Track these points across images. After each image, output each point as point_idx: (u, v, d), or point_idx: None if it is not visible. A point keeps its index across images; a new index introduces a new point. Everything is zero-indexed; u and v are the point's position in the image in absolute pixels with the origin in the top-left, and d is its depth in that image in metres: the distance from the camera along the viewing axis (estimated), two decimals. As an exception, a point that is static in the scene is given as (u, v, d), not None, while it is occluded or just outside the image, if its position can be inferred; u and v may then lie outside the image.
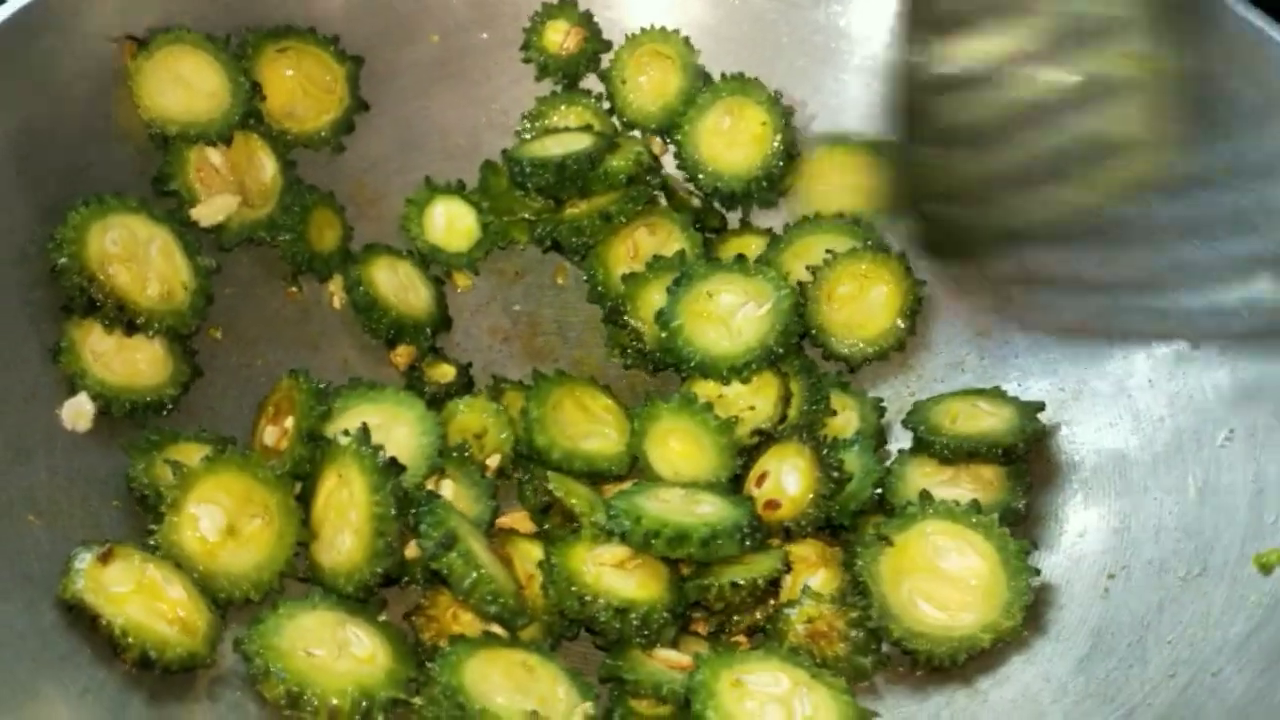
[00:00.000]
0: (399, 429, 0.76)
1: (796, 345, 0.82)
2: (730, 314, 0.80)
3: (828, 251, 0.84)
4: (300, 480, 0.73)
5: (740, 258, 0.83)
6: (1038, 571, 0.70)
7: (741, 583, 0.70)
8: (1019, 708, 0.66)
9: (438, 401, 0.81)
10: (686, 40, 0.90)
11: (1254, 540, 0.65)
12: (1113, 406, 0.76)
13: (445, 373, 0.84)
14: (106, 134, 0.78)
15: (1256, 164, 0.74)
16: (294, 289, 0.85)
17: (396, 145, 0.90)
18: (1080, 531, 0.73)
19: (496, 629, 0.69)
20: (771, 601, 0.72)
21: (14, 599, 0.63)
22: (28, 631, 0.62)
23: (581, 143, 0.85)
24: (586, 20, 0.91)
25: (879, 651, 0.70)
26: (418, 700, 0.64)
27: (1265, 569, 0.64)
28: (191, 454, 0.72)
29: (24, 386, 0.71)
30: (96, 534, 0.67)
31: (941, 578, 0.70)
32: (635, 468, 0.78)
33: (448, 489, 0.74)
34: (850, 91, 0.89)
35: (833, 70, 0.90)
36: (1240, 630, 0.62)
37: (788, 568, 0.72)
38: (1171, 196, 0.74)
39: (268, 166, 0.84)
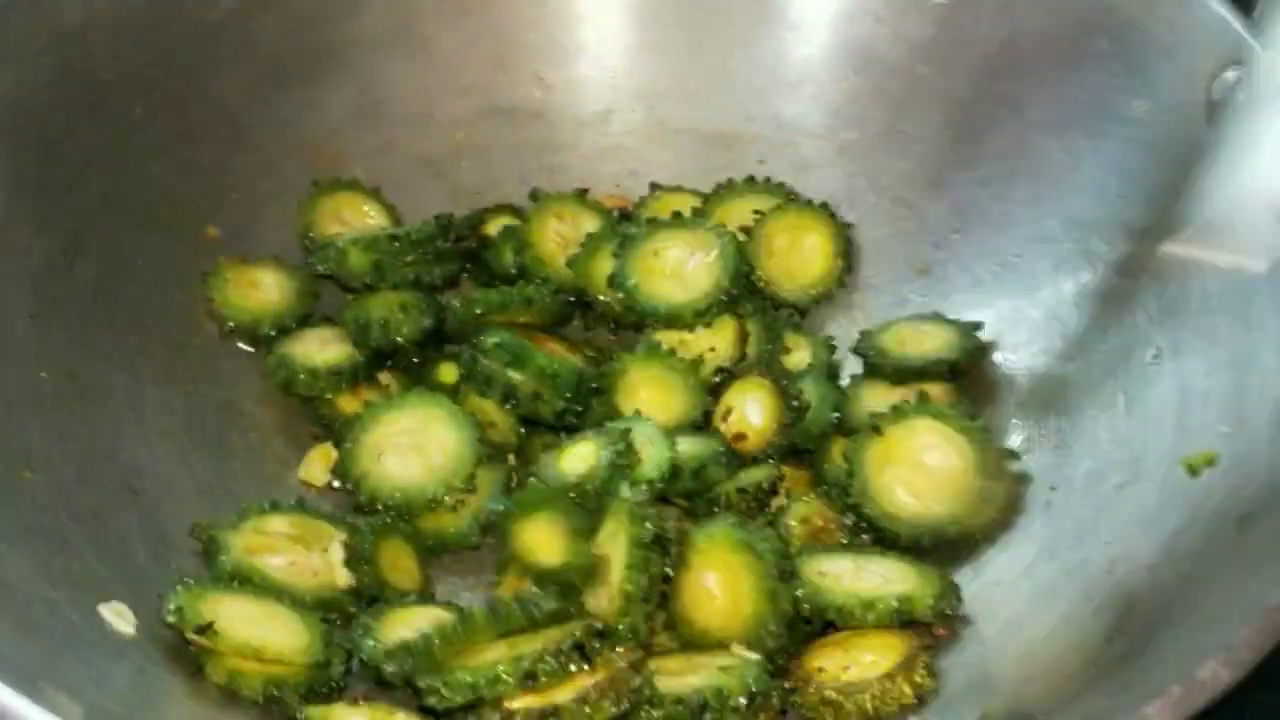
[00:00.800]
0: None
1: (748, 287, 0.86)
2: (680, 266, 0.85)
3: (755, 212, 0.89)
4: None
5: (677, 214, 0.87)
6: (1016, 478, 0.75)
7: (746, 487, 0.75)
8: (975, 611, 0.71)
9: None
10: None
11: (1181, 447, 0.70)
12: (1046, 332, 0.82)
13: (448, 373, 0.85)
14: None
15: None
16: None
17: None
18: (1023, 449, 0.79)
19: None
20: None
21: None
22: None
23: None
24: None
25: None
26: None
27: (1193, 471, 0.69)
28: None
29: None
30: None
31: (921, 470, 0.74)
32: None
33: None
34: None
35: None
36: (1172, 527, 0.67)
37: (781, 475, 0.77)
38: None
39: None
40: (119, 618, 0.65)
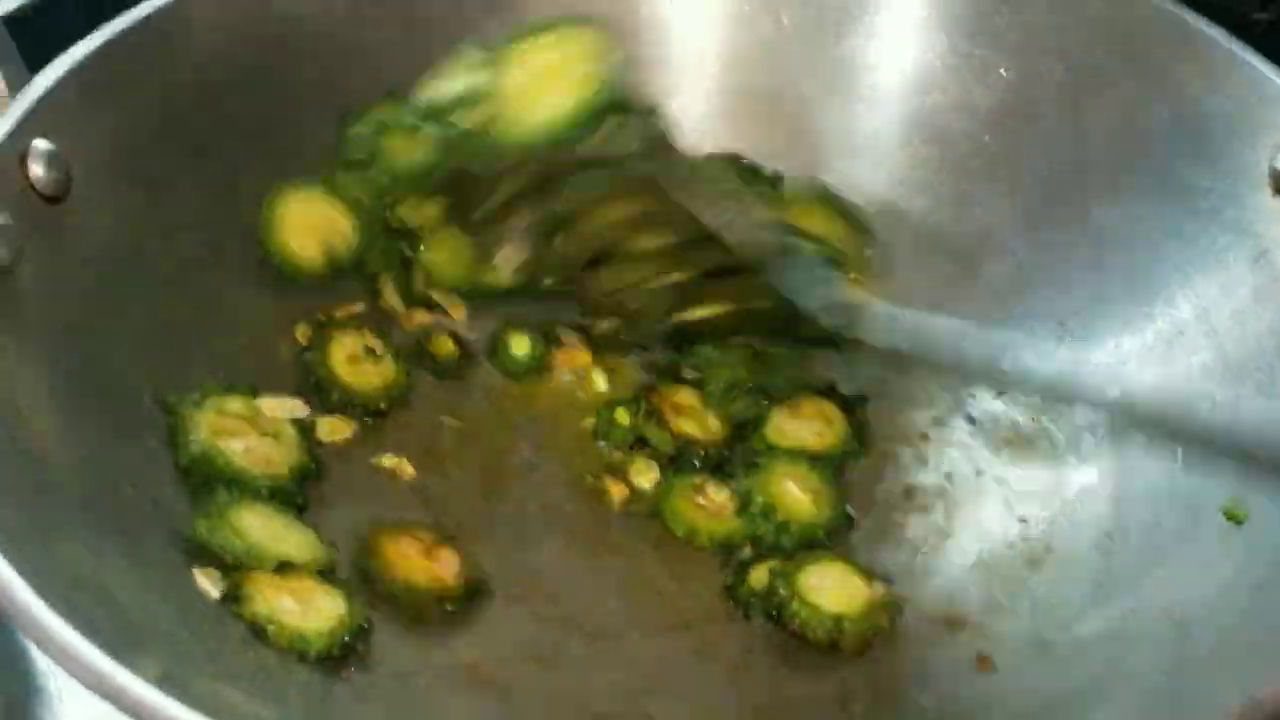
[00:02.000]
0: None
1: None
2: None
3: None
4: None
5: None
6: None
7: None
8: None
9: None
10: None
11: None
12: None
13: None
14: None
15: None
16: None
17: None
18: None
19: None
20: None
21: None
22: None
23: None
24: None
25: None
26: None
27: (1235, 519, 0.71)
28: None
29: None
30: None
31: None
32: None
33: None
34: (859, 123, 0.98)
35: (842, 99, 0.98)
36: (1229, 572, 0.69)
37: None
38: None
39: None
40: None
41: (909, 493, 0.84)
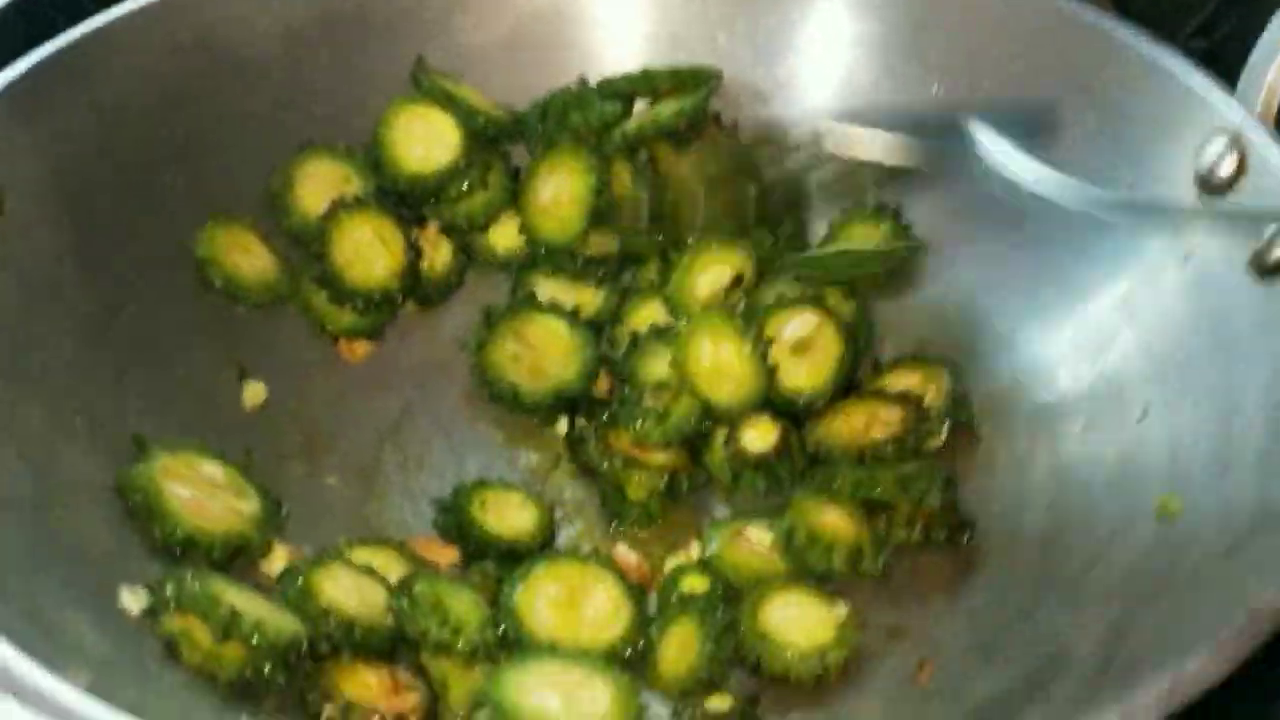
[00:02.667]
0: None
1: None
2: None
3: None
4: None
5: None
6: None
7: None
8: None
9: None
10: None
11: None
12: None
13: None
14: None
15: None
16: None
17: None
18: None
19: None
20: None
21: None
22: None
23: None
24: None
25: None
26: None
27: (1168, 515, 0.72)
28: None
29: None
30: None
31: None
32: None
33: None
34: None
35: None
36: (1162, 566, 0.70)
37: None
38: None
39: None
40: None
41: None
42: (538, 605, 0.73)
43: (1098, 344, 0.83)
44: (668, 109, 0.92)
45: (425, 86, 0.93)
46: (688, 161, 0.93)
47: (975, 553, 0.79)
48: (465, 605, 0.72)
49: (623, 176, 0.93)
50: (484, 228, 0.95)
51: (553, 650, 0.71)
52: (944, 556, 0.80)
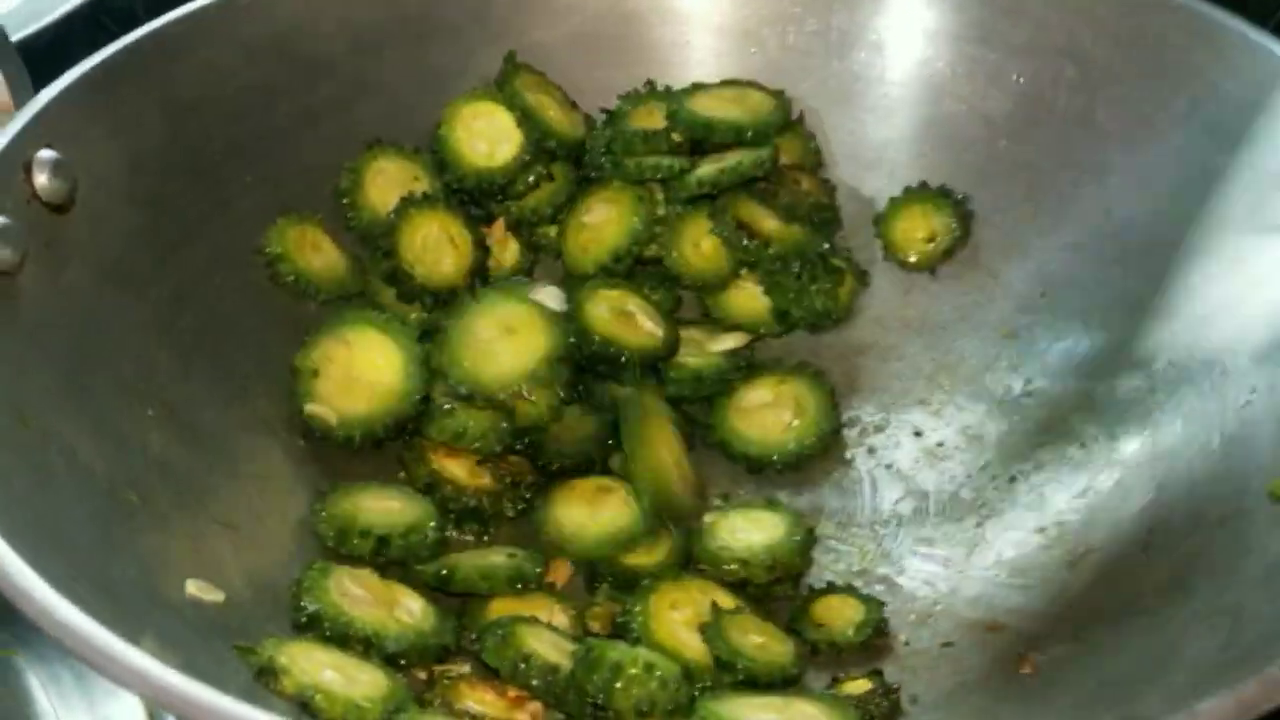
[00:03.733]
0: None
1: None
2: None
3: None
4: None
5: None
6: None
7: None
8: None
9: None
10: None
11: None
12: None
13: None
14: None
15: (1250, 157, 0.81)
16: None
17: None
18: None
19: None
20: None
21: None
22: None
23: None
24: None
25: None
26: None
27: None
28: None
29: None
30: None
31: None
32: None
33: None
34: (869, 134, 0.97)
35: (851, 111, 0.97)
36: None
37: None
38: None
39: None
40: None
41: (937, 501, 0.83)
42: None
43: (1195, 329, 0.80)
44: (748, 158, 0.90)
45: (507, 94, 0.92)
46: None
47: (1076, 546, 0.75)
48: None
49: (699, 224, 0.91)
50: (551, 220, 0.93)
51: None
52: (1044, 553, 0.77)
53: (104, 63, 0.81)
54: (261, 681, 0.61)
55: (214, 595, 0.68)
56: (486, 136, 0.92)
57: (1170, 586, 0.70)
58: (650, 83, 0.96)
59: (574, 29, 0.98)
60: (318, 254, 0.88)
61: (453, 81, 0.95)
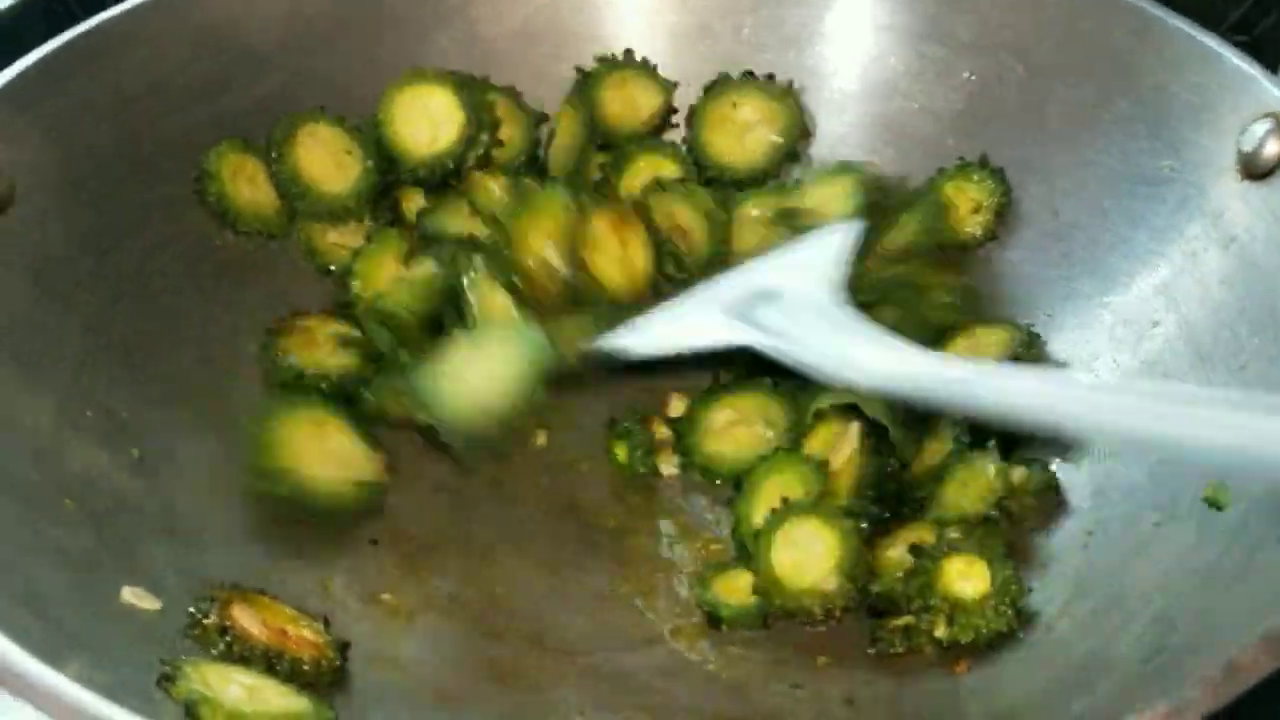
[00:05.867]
0: None
1: None
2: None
3: None
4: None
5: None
6: None
7: None
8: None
9: None
10: None
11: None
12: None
13: None
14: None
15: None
16: None
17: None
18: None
19: None
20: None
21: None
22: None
23: None
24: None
25: None
26: None
27: (1217, 505, 0.69)
28: None
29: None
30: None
31: None
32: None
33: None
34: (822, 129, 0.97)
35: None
36: (1211, 557, 0.67)
37: None
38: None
39: None
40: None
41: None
42: None
43: (1138, 332, 0.80)
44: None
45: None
46: None
47: (1016, 547, 0.76)
48: None
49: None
50: (530, 168, 0.94)
51: None
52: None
53: (42, 60, 0.80)
54: (160, 686, 0.61)
55: (150, 603, 0.67)
56: (426, 122, 0.91)
57: (1106, 589, 0.71)
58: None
59: (524, 20, 0.98)
60: (250, 185, 0.89)
61: (401, 72, 0.93)
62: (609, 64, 0.95)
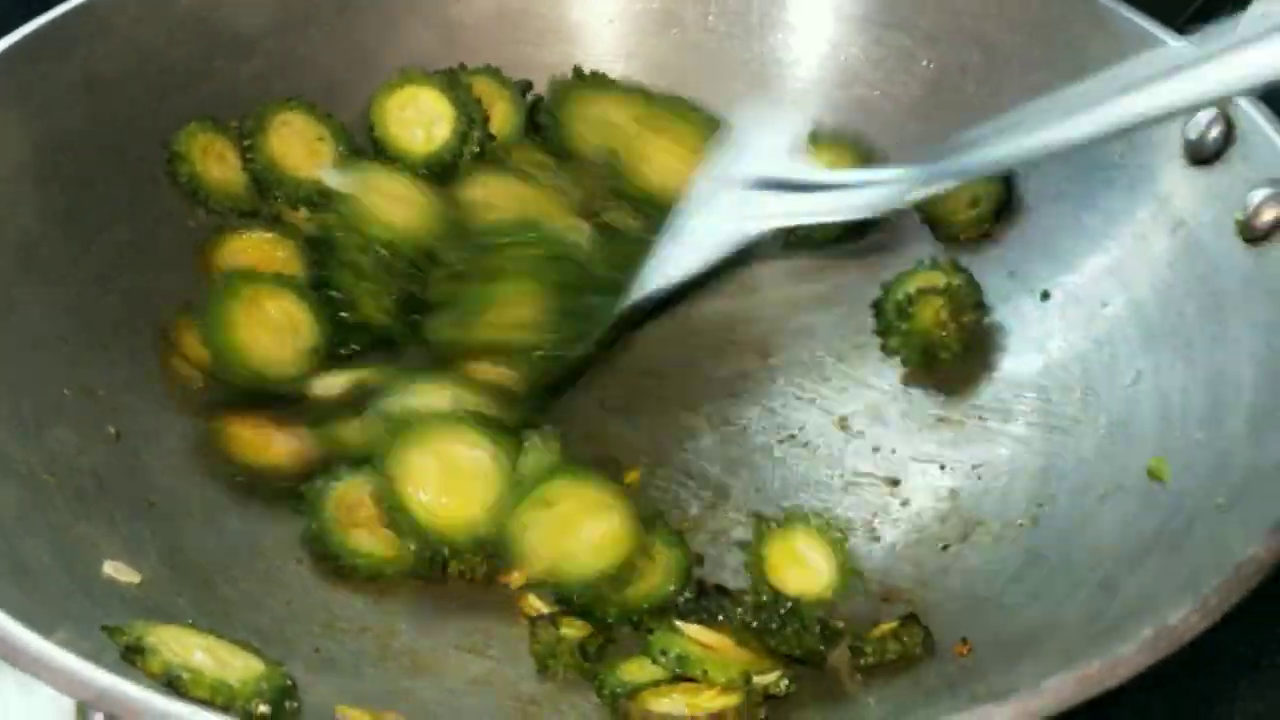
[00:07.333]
0: None
1: None
2: None
3: None
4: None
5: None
6: None
7: None
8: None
9: None
10: None
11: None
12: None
13: None
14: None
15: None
16: None
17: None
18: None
19: None
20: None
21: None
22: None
23: None
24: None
25: None
26: None
27: (1157, 477, 0.72)
28: None
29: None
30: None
31: None
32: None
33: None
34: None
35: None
36: (1154, 526, 0.70)
37: None
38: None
39: None
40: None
41: (841, 473, 0.85)
42: None
43: (1089, 312, 0.83)
44: None
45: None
46: None
47: (969, 518, 0.78)
48: None
49: None
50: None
51: None
52: (940, 524, 0.80)
53: (18, 43, 0.82)
54: (128, 660, 0.60)
55: (130, 576, 0.69)
56: (419, 121, 0.93)
57: (1053, 559, 0.73)
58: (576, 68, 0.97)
59: (499, 6, 1.00)
60: (220, 164, 0.91)
61: (379, 57, 0.96)
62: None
